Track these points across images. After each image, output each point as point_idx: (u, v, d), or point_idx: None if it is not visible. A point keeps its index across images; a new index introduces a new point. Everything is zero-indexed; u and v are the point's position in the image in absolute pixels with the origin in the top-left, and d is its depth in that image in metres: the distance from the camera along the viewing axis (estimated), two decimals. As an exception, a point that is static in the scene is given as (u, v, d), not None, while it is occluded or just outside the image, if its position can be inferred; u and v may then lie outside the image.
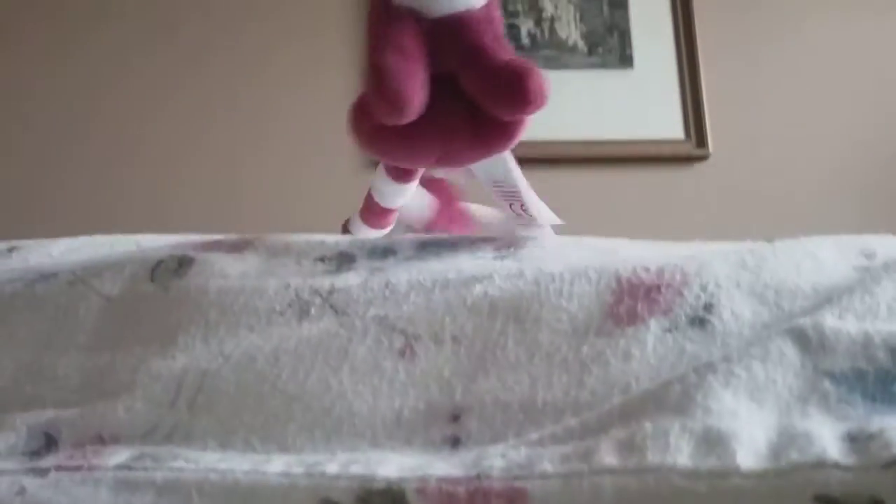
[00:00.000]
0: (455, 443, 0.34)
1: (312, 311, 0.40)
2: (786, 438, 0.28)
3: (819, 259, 0.39)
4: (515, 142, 0.46)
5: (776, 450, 0.27)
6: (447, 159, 0.46)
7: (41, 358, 0.41)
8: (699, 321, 0.36)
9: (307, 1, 1.85)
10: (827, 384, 0.30)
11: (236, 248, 0.48)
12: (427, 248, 0.46)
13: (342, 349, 0.38)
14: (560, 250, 0.44)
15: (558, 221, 0.52)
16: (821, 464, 0.26)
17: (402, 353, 0.37)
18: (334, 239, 0.47)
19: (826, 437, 0.27)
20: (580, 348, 0.36)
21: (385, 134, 0.43)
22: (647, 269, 0.39)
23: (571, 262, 0.41)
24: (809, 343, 0.31)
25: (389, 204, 0.62)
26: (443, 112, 0.43)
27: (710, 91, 1.93)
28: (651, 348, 0.35)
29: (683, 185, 1.91)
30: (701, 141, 1.94)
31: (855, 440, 0.27)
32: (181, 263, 0.45)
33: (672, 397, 0.30)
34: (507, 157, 0.48)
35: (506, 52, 0.43)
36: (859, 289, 0.34)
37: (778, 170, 1.92)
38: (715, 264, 0.39)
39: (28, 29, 1.84)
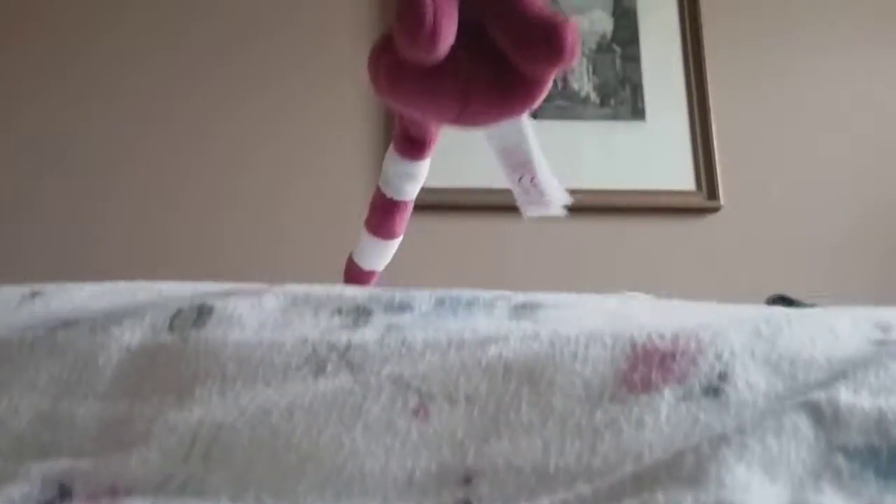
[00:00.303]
0: None
1: (329, 367, 0.40)
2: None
3: (834, 331, 0.40)
4: (537, 102, 0.44)
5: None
6: (466, 116, 0.44)
7: (59, 406, 0.42)
8: (713, 390, 0.36)
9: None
10: (840, 460, 0.30)
11: (255, 294, 0.48)
12: (444, 304, 0.46)
13: (356, 407, 0.38)
14: (576, 312, 0.44)
15: (569, 201, 0.50)
16: None
17: (415, 413, 0.37)
18: (352, 291, 0.48)
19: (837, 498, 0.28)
20: (594, 414, 0.36)
21: (407, 75, 0.41)
22: (662, 336, 0.39)
23: (587, 326, 0.41)
24: (824, 417, 0.32)
25: (398, 193, 0.61)
26: (467, 61, 0.41)
27: (722, 143, 1.94)
28: (665, 417, 0.35)
29: (694, 237, 1.92)
30: (712, 192, 1.95)
31: None
32: (200, 312, 0.45)
33: (685, 468, 0.30)
34: (524, 123, 0.47)
35: (539, 1, 0.41)
36: (874, 363, 0.34)
37: (789, 222, 1.92)
38: (730, 332, 0.39)
39: (57, 71, 1.87)
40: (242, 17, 1.93)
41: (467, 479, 0.35)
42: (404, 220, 0.69)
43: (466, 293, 0.47)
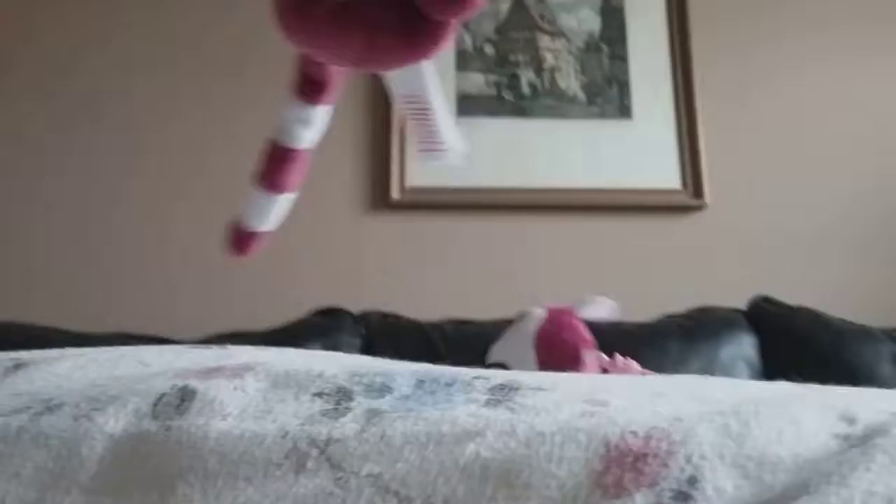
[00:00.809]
0: None
1: (309, 463, 0.41)
2: None
3: (801, 425, 0.41)
4: (442, 47, 0.45)
5: None
6: (369, 58, 0.45)
7: (44, 498, 0.42)
8: (683, 496, 0.37)
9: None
10: None
11: (237, 374, 0.49)
12: (423, 385, 0.47)
13: None
14: (553, 398, 0.45)
15: (464, 150, 0.51)
16: None
17: None
18: (332, 370, 0.48)
19: None
20: None
21: (313, 11, 0.42)
22: (635, 434, 0.40)
23: (562, 420, 0.42)
24: None
25: (293, 139, 0.59)
26: (375, 3, 0.42)
27: (708, 142, 1.95)
28: None
29: (680, 235, 1.93)
30: (698, 191, 1.96)
31: None
32: (183, 398, 0.46)
33: None
34: (427, 70, 0.47)
35: None
36: (836, 478, 0.35)
37: (774, 220, 1.94)
38: (700, 430, 0.40)
39: (55, 92, 1.86)
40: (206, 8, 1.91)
41: None
42: (298, 173, 0.64)
43: (446, 374, 0.48)
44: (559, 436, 0.41)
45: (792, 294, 1.67)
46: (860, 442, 0.39)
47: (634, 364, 0.81)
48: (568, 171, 1.90)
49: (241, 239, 0.69)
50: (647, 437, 0.40)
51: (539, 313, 0.80)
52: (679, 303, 1.64)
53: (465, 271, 1.87)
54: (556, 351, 0.80)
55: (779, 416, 0.41)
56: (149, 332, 1.55)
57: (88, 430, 0.44)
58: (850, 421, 0.41)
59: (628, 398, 0.45)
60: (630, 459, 0.39)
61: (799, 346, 1.54)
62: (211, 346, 0.61)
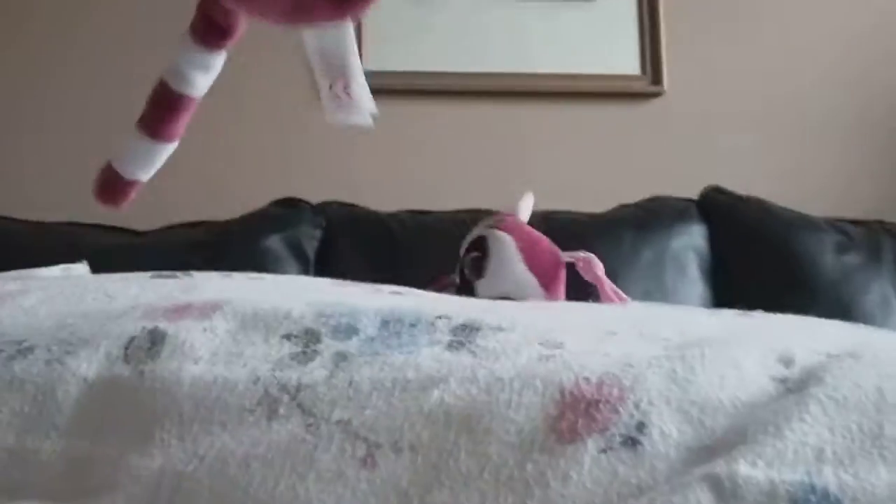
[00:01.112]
0: None
1: (281, 409, 0.43)
2: None
3: (741, 369, 0.44)
4: (368, 8, 0.46)
5: None
6: (298, 12, 0.45)
7: (24, 442, 0.44)
8: (631, 441, 0.40)
9: None
10: None
11: (206, 314, 0.50)
12: (388, 326, 0.49)
13: (308, 456, 0.41)
14: (512, 340, 0.47)
15: (374, 111, 0.53)
16: None
17: (364, 462, 0.41)
18: (300, 311, 0.50)
19: None
20: (525, 466, 0.40)
21: None
22: (587, 380, 0.43)
23: (521, 365, 0.44)
24: (724, 492, 0.36)
25: (190, 86, 0.56)
26: None
27: (668, 27, 1.93)
28: (587, 470, 0.39)
29: (637, 122, 1.94)
30: (656, 77, 1.96)
31: None
32: (153, 341, 0.47)
33: None
34: (347, 30, 0.48)
35: None
36: (772, 428, 0.39)
37: (732, 109, 1.95)
38: (648, 376, 0.43)
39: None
40: None
41: None
42: (186, 121, 0.62)
43: (410, 312, 0.50)
44: (517, 382, 0.43)
45: (746, 184, 1.70)
46: (796, 386, 0.42)
47: (594, 259, 0.84)
48: (526, 56, 1.88)
49: (115, 187, 0.65)
50: (600, 384, 0.43)
51: (503, 237, 0.81)
52: (635, 193, 1.67)
53: (422, 159, 1.86)
54: (548, 267, 0.82)
55: (721, 359, 0.44)
56: (107, 222, 1.53)
57: (62, 375, 0.46)
58: (788, 363, 0.44)
59: (582, 340, 0.48)
60: (583, 406, 0.42)
61: (747, 236, 1.60)
62: (176, 274, 0.62)
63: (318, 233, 1.55)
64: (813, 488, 0.36)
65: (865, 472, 0.37)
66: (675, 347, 0.46)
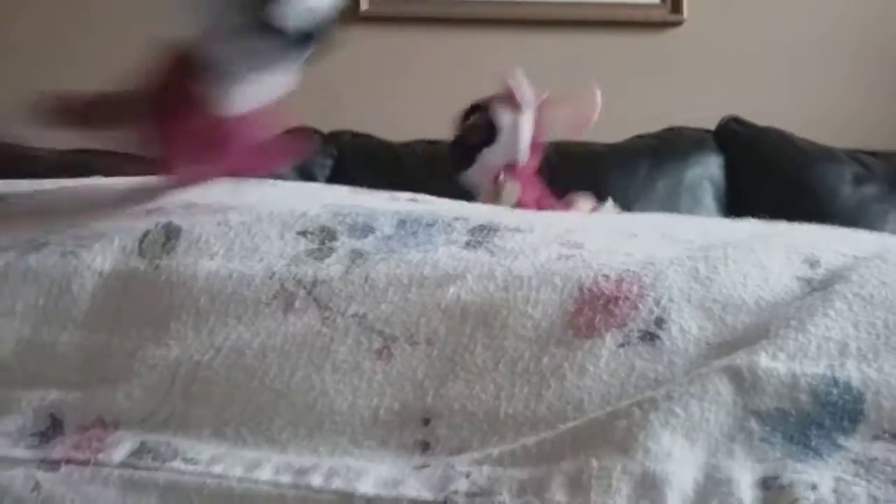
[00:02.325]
0: (425, 448, 0.38)
1: (297, 303, 0.43)
2: (711, 484, 0.33)
3: (766, 269, 0.43)
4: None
5: (700, 496, 0.32)
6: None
7: (41, 333, 0.44)
8: (650, 336, 0.40)
9: None
10: (753, 423, 0.35)
11: (220, 210, 0.49)
12: (405, 226, 0.48)
13: (325, 348, 0.41)
14: (531, 240, 0.46)
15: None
16: None
17: (379, 354, 0.41)
18: (315, 210, 0.49)
19: (744, 484, 0.32)
20: (541, 359, 0.39)
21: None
22: (607, 277, 0.42)
23: (539, 263, 0.44)
24: (743, 382, 0.36)
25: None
26: None
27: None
28: (604, 363, 0.39)
29: (657, 51, 1.90)
30: (676, 6, 1.91)
31: (768, 489, 0.32)
32: (168, 235, 0.47)
33: (618, 433, 0.35)
34: None
35: None
36: (795, 323, 0.38)
37: (752, 38, 1.90)
38: (670, 274, 0.42)
39: None
40: None
41: (426, 420, 0.39)
42: None
43: (427, 213, 0.49)
44: (536, 279, 0.42)
45: (766, 115, 1.67)
46: (821, 286, 0.41)
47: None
48: (545, -18, 1.83)
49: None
50: (619, 281, 0.42)
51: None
52: (652, 123, 1.64)
53: (436, 88, 1.83)
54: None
55: (745, 259, 0.43)
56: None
57: (77, 267, 0.45)
58: (813, 264, 0.44)
59: (602, 240, 0.47)
60: (602, 302, 0.41)
61: (764, 166, 1.57)
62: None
63: (329, 162, 1.54)
64: (835, 381, 0.36)
65: (890, 367, 0.36)
66: (699, 248, 0.45)
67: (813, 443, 0.34)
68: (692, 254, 0.44)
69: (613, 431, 0.35)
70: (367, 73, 1.76)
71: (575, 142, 1.54)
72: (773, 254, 0.44)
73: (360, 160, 1.54)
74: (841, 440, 0.34)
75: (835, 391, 0.35)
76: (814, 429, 0.34)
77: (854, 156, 1.60)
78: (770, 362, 0.36)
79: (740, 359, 0.36)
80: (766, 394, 0.35)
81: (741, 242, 0.46)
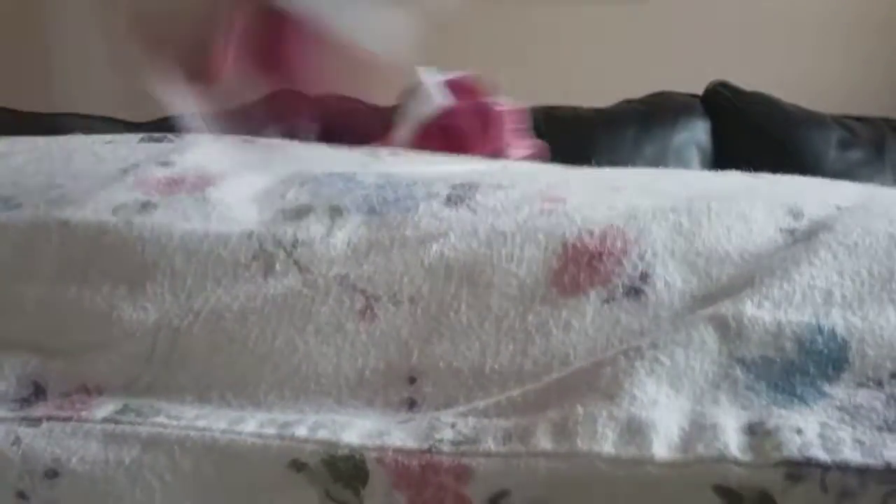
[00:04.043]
0: (412, 405, 0.38)
1: (277, 266, 0.42)
2: (696, 429, 0.32)
3: (749, 221, 0.42)
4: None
5: (686, 441, 0.32)
6: None
7: (7, 289, 0.43)
8: (635, 291, 0.39)
9: None
10: (738, 371, 0.35)
11: (198, 187, 0.48)
12: (385, 187, 0.47)
13: (306, 309, 0.40)
14: (512, 196, 0.46)
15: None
16: (721, 459, 0.31)
17: (362, 314, 0.40)
18: (294, 193, 0.47)
19: (729, 429, 0.32)
20: (526, 316, 0.39)
21: None
22: (591, 233, 0.42)
23: (522, 219, 0.43)
24: (728, 331, 0.35)
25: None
26: None
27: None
28: (590, 319, 0.39)
29: (644, 16, 1.88)
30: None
31: (754, 434, 0.32)
32: (144, 206, 0.46)
33: (603, 381, 0.34)
34: None
35: None
36: (780, 270, 0.38)
37: (740, 2, 1.89)
38: (654, 228, 0.42)
39: None
40: None
41: (412, 379, 0.38)
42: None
43: (407, 175, 0.48)
44: (519, 236, 0.42)
45: (753, 80, 1.67)
46: (805, 237, 0.41)
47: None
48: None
49: None
50: (603, 236, 0.41)
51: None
52: (639, 88, 1.63)
53: (422, 57, 1.81)
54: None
55: (729, 211, 0.43)
56: (98, 112, 1.50)
57: (47, 223, 0.45)
58: (797, 215, 0.43)
59: (585, 194, 0.47)
60: (586, 258, 0.41)
61: (751, 131, 1.57)
62: (167, 135, 0.60)
63: (315, 126, 1.52)
64: (820, 329, 0.35)
65: (874, 315, 0.36)
66: (682, 200, 0.44)
67: (798, 390, 0.34)
68: (675, 206, 0.43)
69: (598, 379, 0.35)
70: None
71: (563, 106, 1.53)
72: (757, 205, 0.44)
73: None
74: (826, 388, 0.34)
75: (820, 339, 0.35)
76: (798, 376, 0.34)
77: (840, 121, 1.60)
78: (755, 311, 0.36)
79: (725, 308, 0.36)
80: (751, 342, 0.35)
81: (724, 195, 0.45)
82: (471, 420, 0.35)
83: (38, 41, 1.70)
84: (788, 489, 0.30)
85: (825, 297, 0.37)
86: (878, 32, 1.89)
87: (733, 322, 0.35)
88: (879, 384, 0.34)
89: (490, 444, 0.34)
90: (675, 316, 0.38)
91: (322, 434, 0.35)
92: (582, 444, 0.32)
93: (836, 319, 0.36)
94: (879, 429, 0.32)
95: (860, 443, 0.31)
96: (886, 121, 1.65)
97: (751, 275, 0.39)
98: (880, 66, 1.89)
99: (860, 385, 0.34)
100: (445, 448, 0.34)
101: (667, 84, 1.65)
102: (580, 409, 0.34)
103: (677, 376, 0.34)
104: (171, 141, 0.57)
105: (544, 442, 0.33)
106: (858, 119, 1.63)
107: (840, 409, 0.33)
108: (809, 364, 0.34)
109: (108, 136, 0.60)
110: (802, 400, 0.33)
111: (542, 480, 0.32)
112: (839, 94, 1.78)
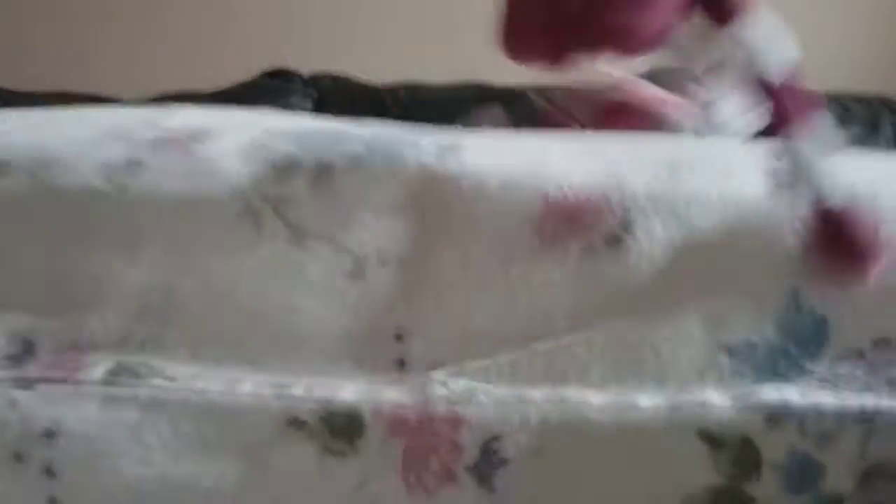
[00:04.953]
0: (401, 366, 0.39)
1: (265, 223, 0.42)
2: (686, 407, 0.34)
3: (730, 166, 0.43)
4: None
5: (672, 394, 0.33)
6: None
7: (3, 253, 0.44)
8: (615, 239, 0.40)
9: None
10: (723, 358, 0.36)
11: (184, 144, 0.48)
12: (373, 145, 0.47)
13: (297, 269, 0.41)
14: (497, 157, 0.46)
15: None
16: (705, 404, 0.32)
17: (352, 275, 0.41)
18: (279, 142, 0.48)
19: (717, 401, 0.33)
20: (509, 270, 0.40)
21: None
22: (571, 187, 0.42)
23: (506, 172, 0.43)
24: (712, 319, 0.36)
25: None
26: None
27: None
28: (571, 272, 0.39)
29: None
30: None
31: (740, 404, 0.33)
32: (132, 164, 0.46)
33: (593, 376, 0.36)
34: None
35: None
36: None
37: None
38: (635, 180, 0.42)
39: None
40: None
41: (399, 336, 0.39)
42: None
43: (394, 134, 0.48)
44: (501, 191, 0.42)
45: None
46: (788, 180, 0.42)
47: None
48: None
49: None
50: (583, 189, 0.42)
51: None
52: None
53: (417, 28, 1.81)
54: None
55: (710, 160, 0.44)
56: (89, 91, 1.49)
57: (38, 189, 0.45)
58: (779, 156, 0.44)
59: (567, 155, 0.47)
60: (567, 212, 0.41)
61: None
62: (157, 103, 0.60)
63: (308, 105, 1.51)
64: (798, 308, 0.37)
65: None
66: (664, 151, 0.45)
67: (781, 371, 0.35)
68: (656, 158, 0.44)
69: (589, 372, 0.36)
70: (346, 11, 1.73)
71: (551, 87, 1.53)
72: (737, 152, 0.45)
73: (341, 103, 1.52)
74: (808, 365, 0.35)
75: (798, 318, 0.36)
76: (781, 359, 0.35)
77: (835, 98, 1.60)
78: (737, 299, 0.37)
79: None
80: (735, 329, 0.36)
81: (706, 147, 0.46)
82: (461, 381, 0.36)
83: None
84: (769, 432, 0.31)
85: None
86: (873, 9, 1.88)
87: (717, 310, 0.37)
88: (861, 354, 0.35)
89: (482, 397, 0.34)
90: (656, 269, 0.39)
91: (319, 392, 0.36)
92: (571, 393, 0.33)
93: (814, 297, 0.37)
94: (860, 392, 0.33)
95: (838, 396, 0.32)
96: (882, 98, 1.65)
97: (733, 224, 0.39)
98: (875, 42, 1.88)
99: (841, 357, 0.35)
100: (441, 403, 0.35)
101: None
102: (573, 395, 0.35)
103: (663, 369, 0.36)
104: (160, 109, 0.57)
105: (535, 392, 0.34)
106: (854, 97, 1.63)
107: (821, 380, 0.35)
108: (790, 345, 0.36)
109: (105, 109, 0.60)
110: (786, 378, 0.35)
111: (534, 426, 0.33)
112: (833, 71, 1.78)
